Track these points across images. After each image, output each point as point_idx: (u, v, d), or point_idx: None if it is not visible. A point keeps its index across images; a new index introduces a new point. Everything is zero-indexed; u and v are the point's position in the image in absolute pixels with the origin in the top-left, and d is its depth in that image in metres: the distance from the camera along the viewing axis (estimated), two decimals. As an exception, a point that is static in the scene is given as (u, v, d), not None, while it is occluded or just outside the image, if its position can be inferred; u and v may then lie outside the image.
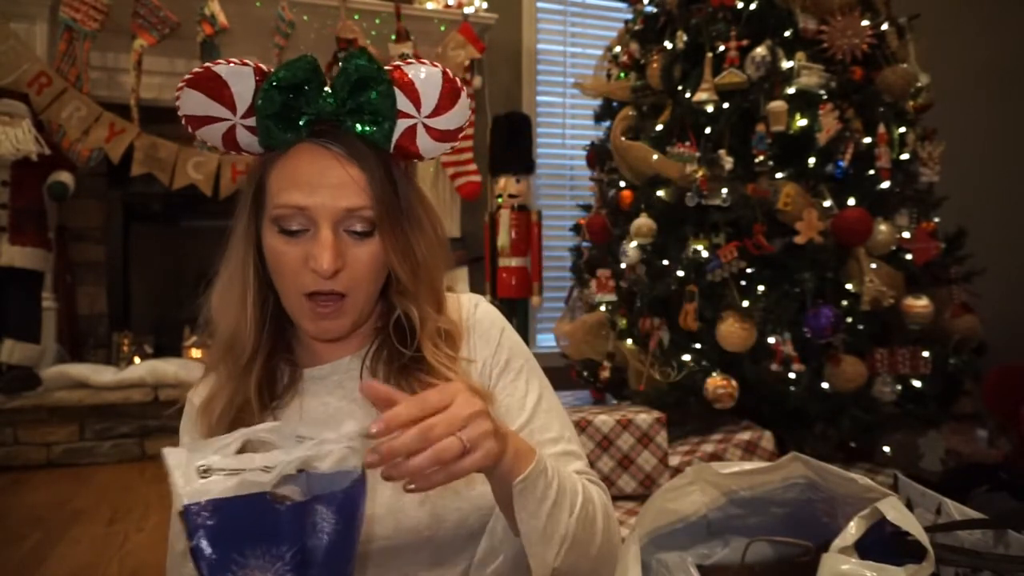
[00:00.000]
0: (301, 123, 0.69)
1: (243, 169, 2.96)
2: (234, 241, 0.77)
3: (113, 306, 3.31)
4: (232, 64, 0.67)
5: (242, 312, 0.75)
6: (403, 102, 0.71)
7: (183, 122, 0.70)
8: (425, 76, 0.70)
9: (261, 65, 0.67)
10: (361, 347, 0.81)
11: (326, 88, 0.70)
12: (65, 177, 2.87)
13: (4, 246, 2.70)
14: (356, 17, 3.31)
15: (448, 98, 0.71)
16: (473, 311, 0.83)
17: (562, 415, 0.82)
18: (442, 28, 3.50)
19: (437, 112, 0.72)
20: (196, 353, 3.20)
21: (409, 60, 0.71)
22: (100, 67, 3.06)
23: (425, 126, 0.73)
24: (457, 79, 0.72)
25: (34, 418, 2.74)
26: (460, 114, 0.73)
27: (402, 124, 0.72)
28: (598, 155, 2.87)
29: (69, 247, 3.18)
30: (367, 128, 0.70)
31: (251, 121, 0.70)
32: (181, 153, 2.90)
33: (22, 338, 2.76)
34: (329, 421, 0.77)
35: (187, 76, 0.67)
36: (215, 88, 0.67)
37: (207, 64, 0.67)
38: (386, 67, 0.71)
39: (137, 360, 3.12)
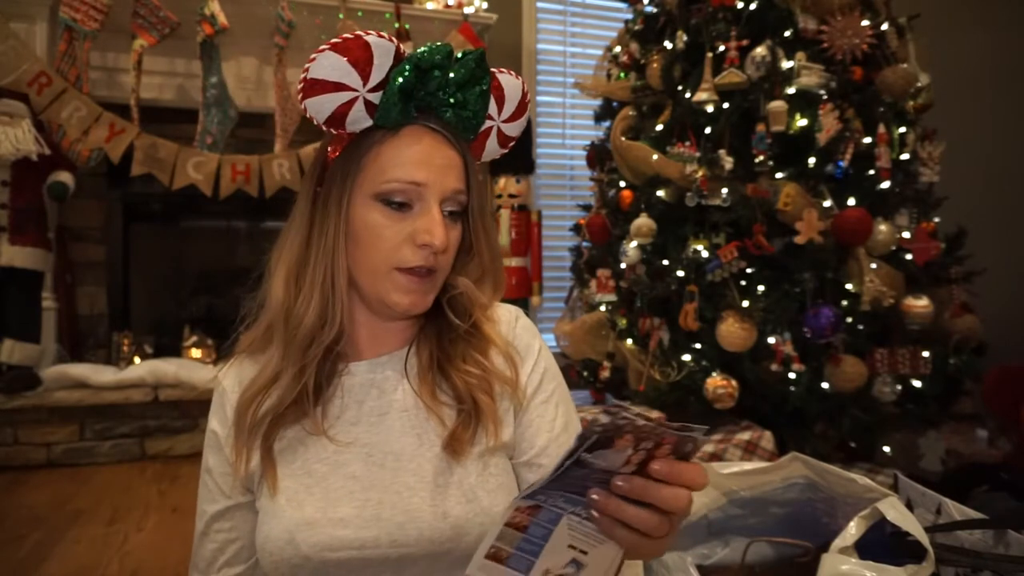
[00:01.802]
0: (412, 105, 0.74)
1: (243, 170, 2.96)
2: (315, 222, 0.76)
3: (113, 306, 3.31)
4: (382, 37, 0.69)
5: (330, 294, 0.75)
6: (491, 105, 0.78)
7: (300, 85, 0.70)
8: (511, 85, 0.78)
9: (401, 45, 0.71)
10: (402, 345, 0.81)
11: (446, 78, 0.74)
12: (65, 177, 2.87)
13: (4, 246, 2.70)
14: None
15: (520, 108, 0.80)
16: (514, 323, 0.84)
17: None
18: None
19: (511, 119, 0.80)
20: (196, 353, 3.20)
21: (501, 68, 0.78)
22: (100, 67, 3.06)
23: (498, 130, 0.81)
24: (528, 93, 0.81)
25: (34, 418, 2.74)
26: (522, 125, 0.82)
27: (485, 124, 0.79)
28: (598, 155, 2.87)
29: (69, 247, 3.18)
30: (463, 121, 0.76)
31: (374, 96, 0.72)
32: (181, 153, 2.90)
33: (22, 338, 2.76)
34: (361, 421, 0.77)
35: (334, 40, 0.68)
36: (361, 57, 0.69)
37: (358, 32, 0.69)
38: None
39: (137, 360, 3.12)
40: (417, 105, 0.74)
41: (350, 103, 0.71)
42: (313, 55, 0.68)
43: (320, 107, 0.72)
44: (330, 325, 0.75)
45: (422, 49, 0.71)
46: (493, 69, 0.76)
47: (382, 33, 0.69)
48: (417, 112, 0.74)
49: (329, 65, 0.69)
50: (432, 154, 0.73)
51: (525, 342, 0.82)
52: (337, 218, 0.75)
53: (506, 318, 0.84)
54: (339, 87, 0.70)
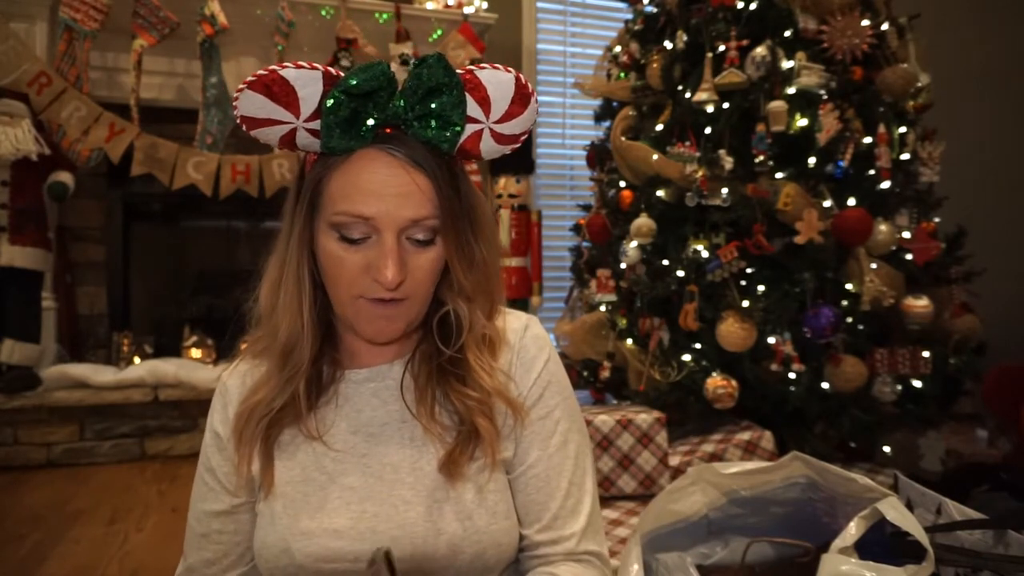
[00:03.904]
0: (365, 128, 0.67)
1: (243, 170, 2.97)
2: (287, 242, 0.74)
3: (113, 306, 3.31)
4: (301, 68, 0.64)
5: (299, 317, 0.74)
6: (472, 107, 0.69)
7: (238, 121, 0.68)
8: (497, 82, 0.69)
9: (330, 69, 0.65)
10: (401, 353, 0.80)
11: (396, 94, 0.68)
12: (65, 177, 2.87)
13: (4, 246, 2.70)
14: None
15: (518, 104, 0.70)
16: (522, 333, 0.80)
17: (583, 462, 0.80)
18: (439, 32, 3.50)
19: (505, 118, 0.71)
20: (196, 353, 3.20)
21: (482, 64, 0.69)
22: (100, 67, 3.06)
23: (492, 131, 0.72)
24: (528, 84, 0.70)
25: (34, 418, 2.74)
26: (528, 119, 0.72)
27: (469, 129, 0.71)
28: (598, 155, 2.87)
29: (69, 247, 3.19)
30: (435, 134, 0.68)
31: (314, 124, 0.68)
32: (181, 153, 2.90)
33: (22, 338, 2.76)
34: (359, 430, 0.76)
35: (249, 78, 0.64)
36: (280, 92, 0.65)
37: (272, 67, 0.64)
38: (458, 71, 0.69)
39: (137, 360, 3.12)
40: (380, 123, 0.67)
41: (292, 132, 0.68)
42: (236, 93, 0.65)
43: (266, 137, 0.69)
44: (300, 347, 0.74)
45: (353, 74, 0.65)
46: (472, 67, 0.69)
47: (302, 63, 0.65)
48: (384, 130, 0.68)
49: (252, 104, 0.65)
50: (385, 183, 0.67)
51: (531, 355, 0.79)
52: (300, 240, 0.73)
53: (515, 327, 0.80)
54: (271, 122, 0.67)
